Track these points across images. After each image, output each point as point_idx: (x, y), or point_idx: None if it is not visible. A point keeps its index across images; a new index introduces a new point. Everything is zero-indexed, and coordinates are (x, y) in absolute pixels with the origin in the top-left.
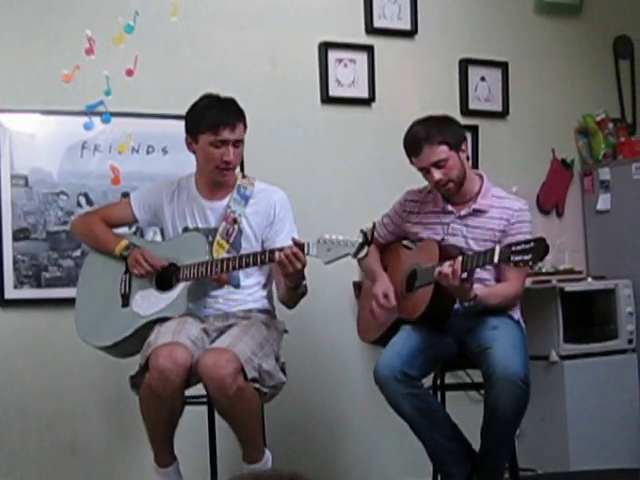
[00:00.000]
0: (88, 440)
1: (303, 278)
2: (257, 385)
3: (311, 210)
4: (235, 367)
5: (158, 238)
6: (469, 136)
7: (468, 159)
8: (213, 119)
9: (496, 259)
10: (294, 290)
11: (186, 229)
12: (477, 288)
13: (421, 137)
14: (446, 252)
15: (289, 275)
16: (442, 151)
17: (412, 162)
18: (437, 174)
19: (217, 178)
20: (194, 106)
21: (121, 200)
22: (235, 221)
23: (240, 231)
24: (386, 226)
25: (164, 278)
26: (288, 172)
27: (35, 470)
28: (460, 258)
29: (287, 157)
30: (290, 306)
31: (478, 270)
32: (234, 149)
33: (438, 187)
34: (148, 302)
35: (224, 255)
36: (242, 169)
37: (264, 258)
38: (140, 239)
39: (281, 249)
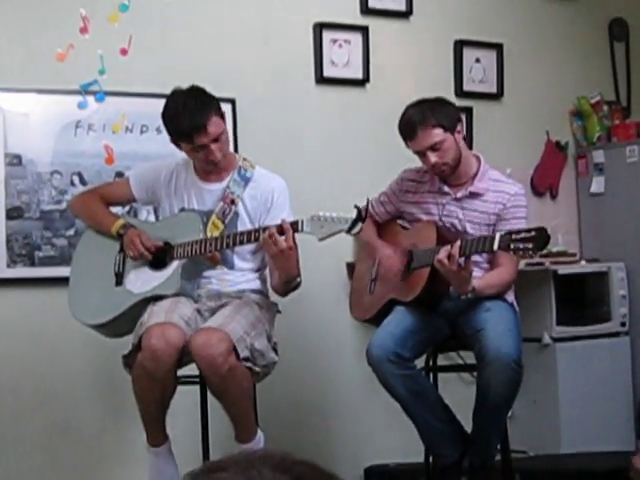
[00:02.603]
0: (80, 419)
1: (298, 275)
2: (249, 364)
3: (305, 191)
4: (227, 346)
5: (152, 218)
6: (463, 118)
7: (464, 140)
8: (182, 128)
9: (496, 246)
10: (287, 284)
11: (183, 210)
12: (474, 278)
13: (415, 121)
14: (444, 235)
15: (277, 262)
16: (437, 134)
17: (408, 145)
18: (433, 157)
19: (210, 170)
20: (164, 112)
21: (120, 179)
22: (233, 202)
23: (236, 214)
24: (383, 204)
25: (158, 257)
26: (282, 152)
27: (27, 449)
28: (458, 243)
29: (281, 137)
30: (281, 295)
31: None
32: (216, 144)
33: (434, 170)
34: (141, 280)
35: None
36: (236, 149)
37: (257, 235)
38: (135, 219)
39: (275, 226)
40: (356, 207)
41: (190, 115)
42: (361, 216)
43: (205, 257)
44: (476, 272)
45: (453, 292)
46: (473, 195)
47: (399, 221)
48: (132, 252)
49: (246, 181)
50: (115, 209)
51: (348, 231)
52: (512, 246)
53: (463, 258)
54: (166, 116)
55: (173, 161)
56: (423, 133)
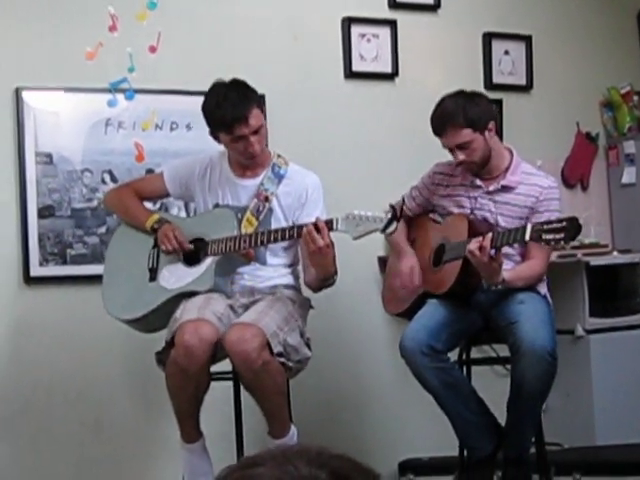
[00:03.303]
0: (114, 417)
1: (335, 272)
2: (282, 359)
3: (335, 186)
4: (261, 341)
5: (182, 214)
6: None
7: (497, 133)
8: (224, 118)
9: (527, 237)
10: (324, 281)
11: (217, 206)
12: (504, 271)
13: (446, 119)
14: (475, 228)
15: (315, 259)
16: (466, 134)
17: (437, 137)
18: (460, 155)
19: (247, 164)
20: (205, 103)
21: (154, 173)
22: (267, 199)
23: (270, 210)
24: (414, 198)
25: (192, 253)
26: (312, 148)
27: (60, 446)
28: (490, 235)
29: (311, 133)
30: (315, 291)
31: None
32: (255, 136)
33: (462, 167)
34: (175, 276)
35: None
36: (266, 145)
37: (292, 233)
38: (169, 214)
39: (310, 224)
40: (391, 206)
41: (232, 105)
42: (396, 215)
43: (239, 254)
44: (507, 264)
45: (484, 283)
46: (505, 188)
47: (431, 215)
48: (166, 247)
49: (280, 178)
50: (147, 206)
51: (383, 230)
52: (544, 237)
53: (494, 250)
54: (207, 107)
55: (207, 156)
56: (452, 131)
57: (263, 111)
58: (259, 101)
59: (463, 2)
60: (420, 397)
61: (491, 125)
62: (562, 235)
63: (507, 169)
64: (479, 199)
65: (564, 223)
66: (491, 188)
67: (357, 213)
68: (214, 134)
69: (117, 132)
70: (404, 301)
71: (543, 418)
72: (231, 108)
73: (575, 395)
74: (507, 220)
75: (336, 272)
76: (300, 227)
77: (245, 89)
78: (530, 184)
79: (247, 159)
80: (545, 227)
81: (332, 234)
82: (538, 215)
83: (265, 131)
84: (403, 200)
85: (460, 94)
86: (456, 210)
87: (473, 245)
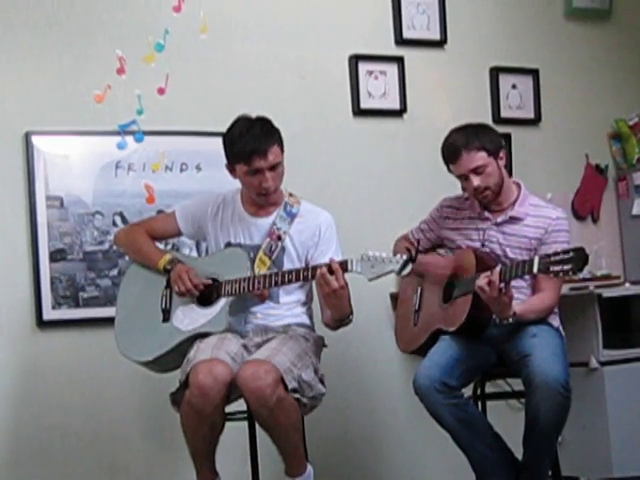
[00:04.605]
0: (129, 459)
1: (351, 312)
2: (297, 395)
3: (346, 223)
4: (275, 378)
5: (194, 254)
6: None
7: (506, 167)
8: (244, 149)
9: (535, 269)
10: (340, 321)
11: (229, 244)
12: (515, 304)
13: (459, 144)
14: (483, 261)
15: (329, 300)
16: (481, 157)
17: (450, 170)
18: (476, 180)
19: (259, 201)
20: (227, 133)
21: (166, 213)
22: (279, 238)
23: (283, 249)
24: (423, 233)
25: (205, 293)
26: (322, 185)
27: None
28: (498, 269)
29: (320, 171)
30: (332, 329)
31: None
32: (272, 173)
33: (476, 194)
34: (189, 317)
35: (265, 271)
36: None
37: (307, 274)
38: (181, 254)
39: (324, 265)
40: (407, 249)
41: (254, 138)
42: (412, 257)
43: (253, 294)
44: (517, 297)
45: (496, 318)
46: (513, 220)
47: (439, 250)
48: (179, 288)
49: (292, 217)
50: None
51: (399, 272)
52: (551, 268)
53: (503, 284)
54: (228, 137)
55: (220, 194)
56: (467, 156)
57: (283, 151)
58: (281, 140)
59: (469, 37)
60: (436, 433)
61: (502, 154)
62: (570, 266)
63: (515, 201)
64: (487, 231)
65: (571, 254)
66: (499, 220)
67: (372, 254)
68: (231, 166)
69: (127, 174)
70: (418, 338)
71: (559, 451)
72: (252, 140)
73: (591, 427)
74: (516, 252)
75: (352, 312)
76: (314, 268)
77: (269, 126)
78: (538, 216)
79: (260, 195)
80: (552, 259)
81: (346, 274)
82: (546, 247)
83: (282, 171)
84: (418, 241)
85: (467, 126)
86: (465, 243)
87: (482, 281)
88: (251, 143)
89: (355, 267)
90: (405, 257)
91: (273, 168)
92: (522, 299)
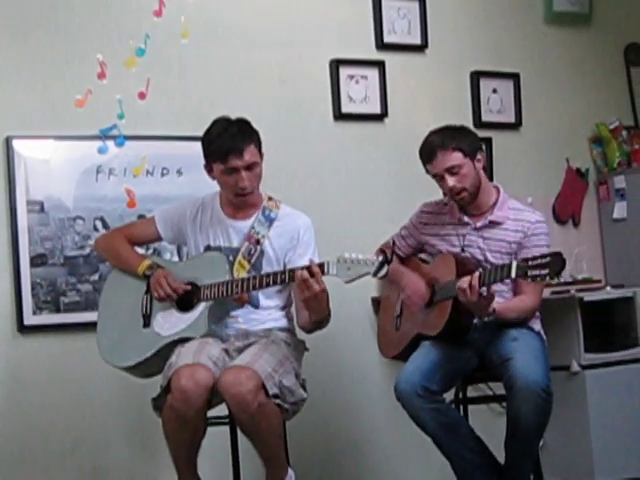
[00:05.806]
0: (111, 464)
1: (329, 314)
2: (278, 401)
3: (326, 227)
4: (256, 384)
5: (175, 259)
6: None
7: (485, 170)
8: (221, 148)
9: (513, 274)
10: (318, 323)
11: (208, 247)
12: (494, 302)
13: (436, 144)
14: (464, 266)
15: (309, 303)
16: (456, 157)
17: (427, 170)
18: (451, 181)
19: (237, 202)
20: (206, 133)
21: (145, 218)
22: (258, 242)
23: (262, 252)
24: (404, 238)
25: (185, 298)
26: (302, 189)
27: None
28: (477, 273)
29: (301, 175)
30: (308, 332)
31: None
32: (248, 173)
33: (452, 195)
34: (169, 322)
35: (245, 275)
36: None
37: (284, 277)
38: (161, 259)
39: (302, 268)
40: (381, 250)
41: (231, 137)
42: (387, 259)
43: (232, 299)
44: (499, 300)
45: (477, 321)
46: (493, 224)
47: (419, 255)
48: (159, 294)
49: (270, 221)
50: (140, 250)
51: (374, 274)
52: (529, 273)
53: (484, 288)
54: (206, 137)
55: (200, 198)
56: (442, 155)
57: (261, 153)
58: (259, 141)
59: (450, 42)
60: (418, 437)
61: (480, 156)
62: (547, 271)
63: (494, 205)
64: (468, 236)
65: (548, 258)
66: (479, 224)
67: (348, 256)
68: (209, 165)
69: (108, 179)
70: (399, 343)
71: (541, 455)
72: (229, 139)
73: (573, 431)
74: (496, 256)
75: (330, 313)
76: (292, 271)
77: (247, 126)
78: (517, 219)
79: (237, 196)
80: (530, 263)
81: (323, 277)
82: (526, 250)
83: (259, 172)
84: (393, 242)
85: (446, 127)
86: (445, 247)
87: (462, 285)
88: (228, 142)
89: (331, 270)
90: (381, 259)
91: (249, 168)
92: (503, 302)
